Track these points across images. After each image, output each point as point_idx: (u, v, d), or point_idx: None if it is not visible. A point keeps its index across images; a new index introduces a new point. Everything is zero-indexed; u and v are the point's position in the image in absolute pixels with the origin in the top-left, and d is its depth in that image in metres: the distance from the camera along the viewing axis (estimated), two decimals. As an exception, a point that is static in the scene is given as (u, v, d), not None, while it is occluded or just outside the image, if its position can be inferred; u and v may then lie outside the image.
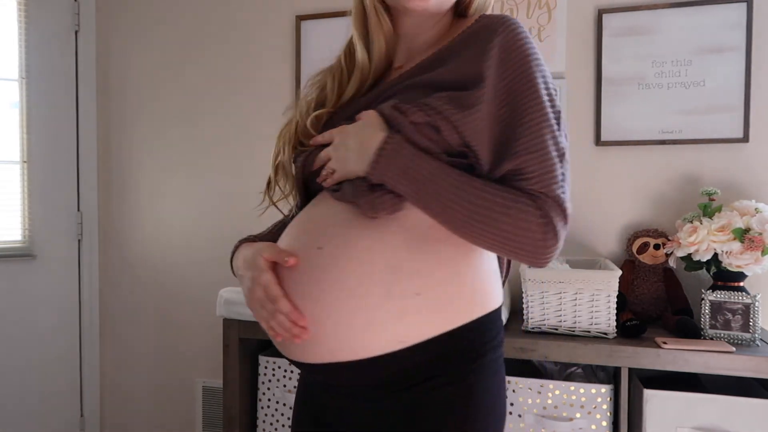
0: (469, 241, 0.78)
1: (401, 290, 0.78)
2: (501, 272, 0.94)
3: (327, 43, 2.11)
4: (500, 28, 0.81)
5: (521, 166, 0.75)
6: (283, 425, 1.76)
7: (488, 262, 0.87)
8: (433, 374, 0.81)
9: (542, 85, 0.79)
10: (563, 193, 0.76)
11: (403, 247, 0.79)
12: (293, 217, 0.93)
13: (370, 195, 0.78)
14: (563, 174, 0.77)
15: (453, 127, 0.76)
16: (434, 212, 0.77)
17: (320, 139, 0.86)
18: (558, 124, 0.78)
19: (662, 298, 1.75)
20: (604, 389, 1.50)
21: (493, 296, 0.86)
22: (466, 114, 0.76)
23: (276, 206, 0.99)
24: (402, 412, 0.82)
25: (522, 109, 0.78)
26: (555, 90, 0.82)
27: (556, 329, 1.56)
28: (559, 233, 0.75)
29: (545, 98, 0.78)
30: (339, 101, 0.94)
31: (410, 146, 0.77)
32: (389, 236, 0.79)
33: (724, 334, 1.51)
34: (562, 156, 0.77)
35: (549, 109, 0.78)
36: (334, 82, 0.95)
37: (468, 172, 0.77)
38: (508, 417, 1.53)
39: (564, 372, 1.68)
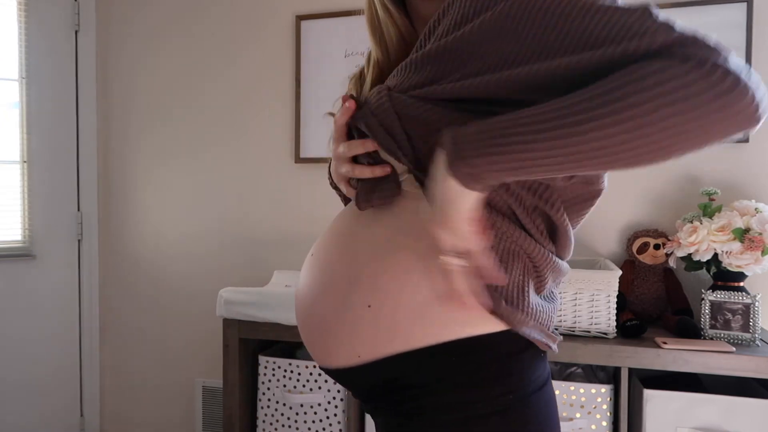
0: (633, 165, 0.55)
1: (355, 301, 0.72)
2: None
3: (327, 43, 2.11)
4: None
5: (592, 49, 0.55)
6: (282, 425, 1.76)
7: None
8: (388, 400, 0.74)
9: None
10: (685, 31, 0.53)
11: (365, 256, 0.73)
12: None
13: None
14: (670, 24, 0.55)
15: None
16: (560, 160, 0.56)
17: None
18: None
19: (662, 298, 1.75)
20: (604, 389, 1.50)
21: (471, 320, 0.68)
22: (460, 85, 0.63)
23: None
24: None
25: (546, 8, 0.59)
26: None
27: (556, 329, 1.56)
28: (721, 65, 0.51)
29: None
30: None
31: (468, 132, 0.60)
32: (356, 245, 0.75)
33: (724, 334, 1.51)
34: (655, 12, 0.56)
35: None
36: (351, 91, 0.87)
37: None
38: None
39: (564, 372, 1.68)
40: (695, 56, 0.51)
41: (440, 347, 0.68)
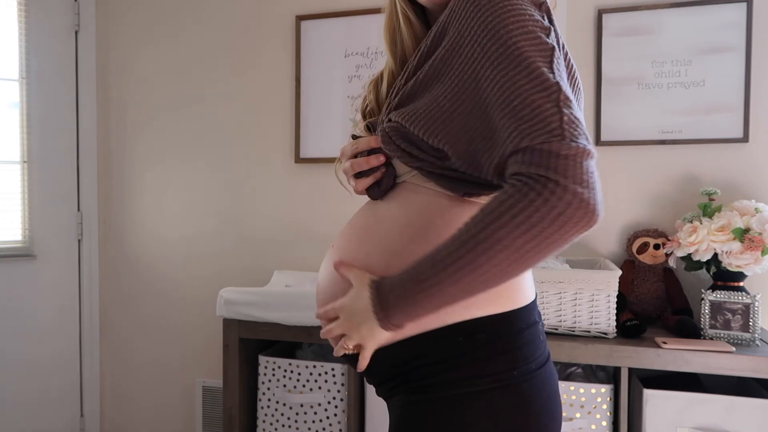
0: (516, 275, 0.65)
1: None
2: None
3: (327, 43, 2.11)
4: None
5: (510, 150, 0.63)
6: (283, 425, 1.76)
7: None
8: (405, 378, 0.78)
9: (517, 31, 0.67)
10: (551, 132, 0.60)
11: (378, 247, 0.79)
12: None
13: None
14: (559, 109, 0.61)
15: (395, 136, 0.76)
16: (465, 295, 0.67)
17: (322, 314, 0.82)
18: (550, 60, 0.66)
19: (662, 298, 1.75)
20: (604, 389, 1.50)
21: (475, 303, 0.71)
22: (404, 113, 0.75)
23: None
24: (392, 416, 0.82)
25: (485, 75, 0.67)
26: (549, 26, 0.70)
27: (556, 329, 1.56)
28: (559, 184, 0.58)
29: (521, 41, 0.66)
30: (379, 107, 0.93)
31: (392, 280, 0.72)
32: (371, 237, 0.81)
33: (724, 334, 1.51)
34: (555, 95, 0.62)
35: (530, 52, 0.65)
36: (369, 94, 0.94)
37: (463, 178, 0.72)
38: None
39: (564, 372, 1.68)
40: (537, 179, 0.59)
41: (448, 329, 0.74)
